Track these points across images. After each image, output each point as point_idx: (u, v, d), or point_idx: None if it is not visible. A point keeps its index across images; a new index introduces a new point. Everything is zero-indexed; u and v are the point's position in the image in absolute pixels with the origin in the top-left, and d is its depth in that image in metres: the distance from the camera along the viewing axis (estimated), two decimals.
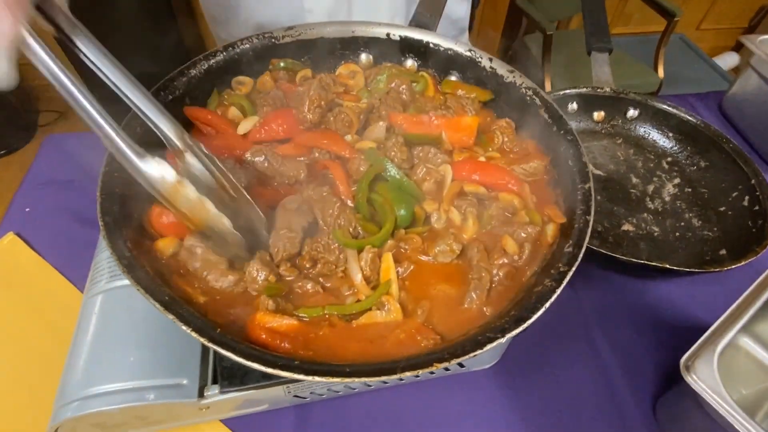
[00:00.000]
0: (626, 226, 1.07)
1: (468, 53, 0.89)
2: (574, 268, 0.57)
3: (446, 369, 0.82)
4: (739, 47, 4.03)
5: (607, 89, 1.23)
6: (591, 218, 0.63)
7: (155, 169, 0.56)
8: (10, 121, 3.34)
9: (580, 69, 2.99)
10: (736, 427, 0.59)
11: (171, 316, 0.52)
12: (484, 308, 0.63)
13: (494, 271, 0.66)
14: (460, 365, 0.82)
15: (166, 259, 0.65)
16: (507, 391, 0.85)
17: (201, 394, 0.68)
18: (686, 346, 0.74)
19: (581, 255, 0.59)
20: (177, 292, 0.60)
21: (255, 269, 0.63)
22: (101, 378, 0.66)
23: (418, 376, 0.82)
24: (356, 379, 0.49)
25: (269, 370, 0.49)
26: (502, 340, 0.52)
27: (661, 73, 3.16)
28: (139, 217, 0.67)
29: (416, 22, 0.96)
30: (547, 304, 0.55)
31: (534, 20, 2.85)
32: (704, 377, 0.63)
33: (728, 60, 3.87)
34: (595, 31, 1.31)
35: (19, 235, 1.02)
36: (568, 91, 1.23)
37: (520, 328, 0.53)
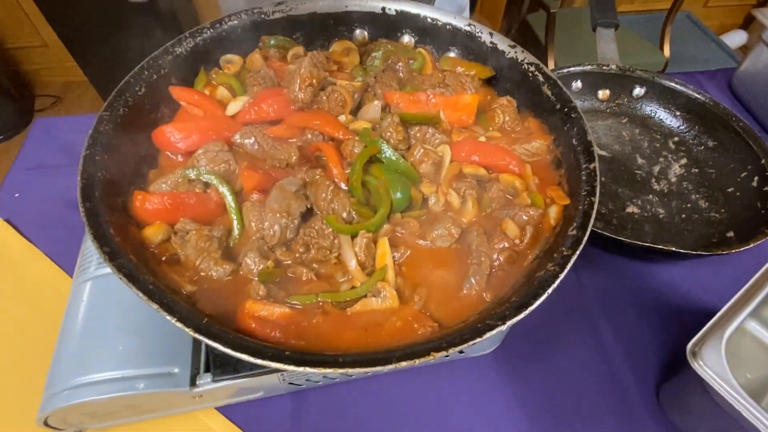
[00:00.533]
0: (631, 208, 1.05)
1: (467, 28, 0.85)
2: (578, 252, 0.55)
3: (445, 355, 0.80)
4: (747, 24, 3.93)
5: (613, 66, 1.19)
6: (596, 200, 0.60)
7: None
8: (6, 107, 3.30)
9: (584, 49, 2.91)
10: (744, 414, 0.58)
11: (155, 306, 0.50)
12: (484, 294, 0.61)
13: (494, 256, 0.64)
14: (460, 351, 0.80)
15: (155, 246, 0.63)
16: (507, 377, 0.84)
17: (193, 383, 0.66)
18: (691, 332, 0.72)
19: (585, 238, 0.56)
20: (164, 281, 0.58)
21: (252, 260, 0.61)
22: (91, 367, 0.64)
23: (415, 363, 0.80)
24: (349, 370, 0.47)
25: (258, 361, 0.47)
26: (503, 328, 0.50)
27: (667, 51, 3.08)
28: (124, 203, 0.65)
29: None
30: (550, 290, 0.52)
31: None
32: (711, 364, 0.61)
33: (736, 38, 3.77)
34: (601, 5, 1.27)
35: (8, 221, 1.00)
36: (572, 68, 1.18)
37: (521, 315, 0.51)
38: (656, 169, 1.12)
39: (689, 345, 0.64)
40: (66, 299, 0.75)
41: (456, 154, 0.74)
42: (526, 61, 0.80)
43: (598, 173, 0.63)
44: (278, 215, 0.64)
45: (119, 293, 0.71)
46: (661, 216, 1.04)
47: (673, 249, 0.85)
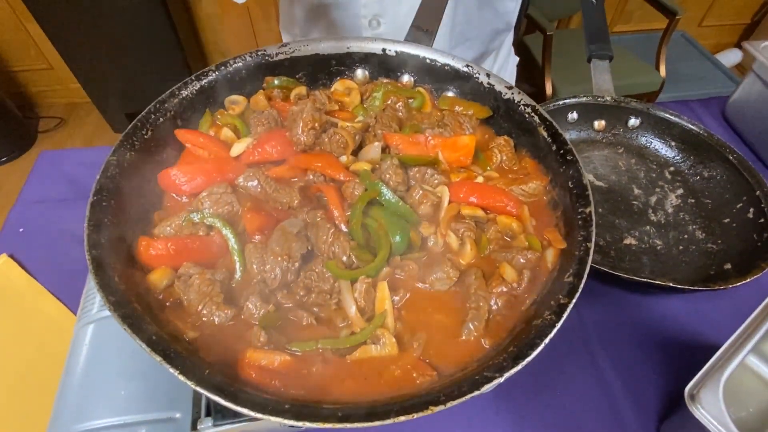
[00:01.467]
0: (628, 240, 1.06)
1: (465, 69, 0.87)
2: (574, 301, 0.55)
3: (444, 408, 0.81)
4: (741, 43, 3.99)
5: (608, 98, 1.21)
6: (592, 245, 0.61)
7: None
8: (10, 128, 3.34)
9: (581, 69, 2.94)
10: None
11: (158, 358, 0.51)
12: (482, 340, 0.61)
13: (492, 300, 0.64)
14: None
15: (159, 291, 0.63)
16: (507, 414, 0.84)
17: (194, 428, 0.66)
18: (691, 366, 0.72)
19: (582, 286, 0.57)
20: (166, 327, 0.58)
21: (254, 304, 0.62)
22: (92, 413, 0.65)
23: (413, 417, 0.80)
24: (347, 425, 0.47)
25: (258, 415, 0.48)
26: (500, 380, 0.50)
27: (663, 71, 3.12)
28: (129, 247, 0.66)
29: (416, 27, 0.94)
30: (547, 340, 0.53)
31: (533, 20, 2.82)
32: (709, 407, 0.62)
33: (731, 57, 3.83)
34: (595, 37, 1.29)
35: (12, 256, 1.01)
36: (568, 100, 1.20)
37: (519, 367, 0.51)
38: (653, 199, 1.14)
39: (687, 388, 0.64)
40: (68, 335, 0.75)
41: (454, 194, 0.75)
42: (522, 102, 0.81)
43: (593, 218, 0.64)
44: (279, 258, 0.64)
45: (122, 337, 0.72)
46: (658, 247, 1.05)
47: (671, 285, 0.86)
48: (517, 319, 0.63)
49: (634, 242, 1.05)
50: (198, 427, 0.67)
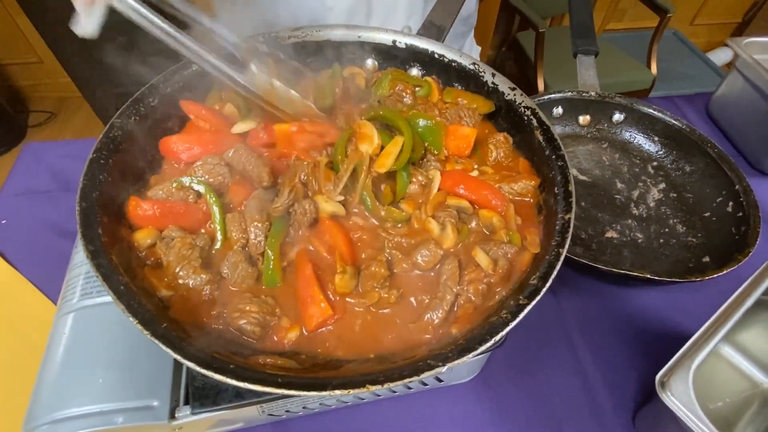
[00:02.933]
0: (610, 233, 1.07)
1: (471, 67, 0.88)
2: (533, 304, 0.55)
3: (423, 383, 0.81)
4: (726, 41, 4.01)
5: (593, 93, 1.22)
6: (564, 251, 0.61)
7: (251, 76, 0.70)
8: (0, 123, 3.31)
9: (573, 66, 2.97)
10: None
11: (121, 306, 0.52)
12: (451, 328, 0.62)
13: (464, 288, 0.65)
14: (438, 379, 0.82)
15: (143, 249, 0.66)
16: (487, 404, 0.85)
17: (172, 416, 0.67)
18: (667, 356, 0.73)
19: (545, 290, 0.57)
20: (142, 283, 0.60)
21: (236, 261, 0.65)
22: (69, 401, 0.65)
23: (395, 391, 0.81)
24: (285, 391, 0.48)
25: (202, 370, 0.48)
26: (442, 369, 0.51)
27: (654, 69, 3.14)
28: (121, 206, 0.68)
29: (429, 23, 0.96)
30: (497, 337, 0.53)
31: (526, 17, 2.83)
32: (679, 394, 0.63)
33: (722, 56, 3.85)
34: (581, 33, 1.30)
35: None
36: (553, 95, 1.21)
37: (464, 359, 0.52)
38: (635, 193, 1.15)
39: (658, 376, 0.66)
40: (49, 328, 0.75)
41: (444, 183, 0.76)
42: (523, 104, 0.82)
43: (571, 225, 0.64)
44: (259, 224, 0.66)
45: (102, 325, 0.73)
46: (639, 241, 1.06)
47: (649, 276, 0.87)
48: (490, 310, 0.64)
49: (615, 235, 1.06)
50: (176, 416, 0.67)
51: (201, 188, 0.71)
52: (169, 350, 0.49)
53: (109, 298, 0.72)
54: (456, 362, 0.51)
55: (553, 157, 0.76)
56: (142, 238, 0.66)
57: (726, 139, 1.33)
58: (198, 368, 0.48)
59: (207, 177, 0.72)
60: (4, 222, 1.06)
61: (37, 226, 1.05)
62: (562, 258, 0.61)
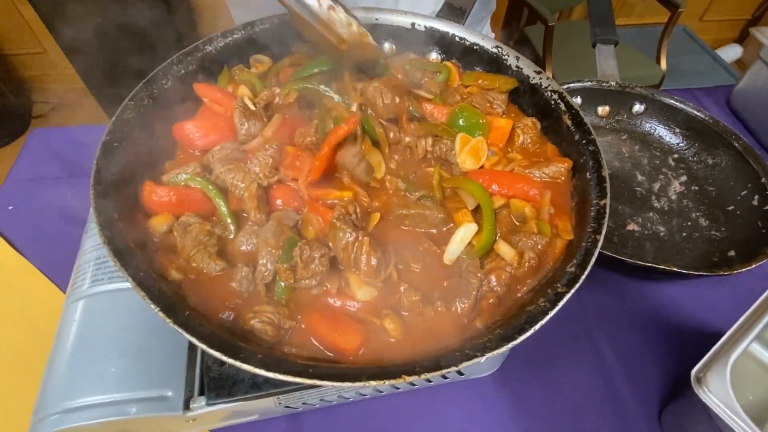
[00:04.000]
0: (631, 226, 1.04)
1: (494, 50, 0.85)
2: (572, 291, 0.53)
3: (444, 377, 0.79)
4: (742, 39, 3.98)
5: (613, 83, 1.19)
6: (601, 238, 0.59)
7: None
8: (4, 113, 3.29)
9: (582, 62, 2.93)
10: None
11: (142, 293, 0.49)
12: (475, 321, 0.59)
13: (489, 279, 0.62)
14: (459, 373, 0.79)
15: (158, 236, 0.63)
16: (508, 399, 0.82)
17: (187, 407, 0.65)
18: (693, 352, 0.71)
19: (584, 277, 0.55)
20: (153, 265, 0.58)
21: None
22: (81, 390, 0.63)
23: (414, 385, 0.79)
24: (317, 381, 0.46)
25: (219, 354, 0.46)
26: (481, 360, 0.48)
27: (663, 65, 3.11)
28: (135, 190, 0.65)
29: (449, 5, 0.94)
30: (537, 327, 0.51)
31: (535, 11, 2.79)
32: (716, 391, 0.60)
33: (731, 52, 3.81)
34: (600, 22, 1.27)
35: (1, 234, 0.98)
36: (572, 84, 1.18)
37: (502, 349, 0.49)
38: (656, 186, 1.12)
39: (694, 371, 0.63)
40: (57, 315, 0.73)
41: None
42: (550, 88, 0.80)
43: (607, 211, 0.62)
44: (272, 250, 0.61)
45: (113, 312, 0.71)
46: (661, 234, 1.03)
47: (675, 269, 0.84)
48: (512, 304, 0.61)
49: (637, 228, 1.04)
50: (191, 407, 0.65)
51: (197, 185, 0.67)
52: (193, 338, 0.46)
53: (121, 284, 0.71)
54: (495, 352, 0.48)
55: (584, 141, 0.73)
56: (158, 224, 0.63)
57: (748, 132, 1.30)
58: (224, 357, 0.46)
59: (223, 163, 0.68)
60: (11, 208, 1.04)
61: (45, 213, 1.03)
62: (599, 245, 0.59)
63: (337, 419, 0.78)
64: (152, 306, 0.49)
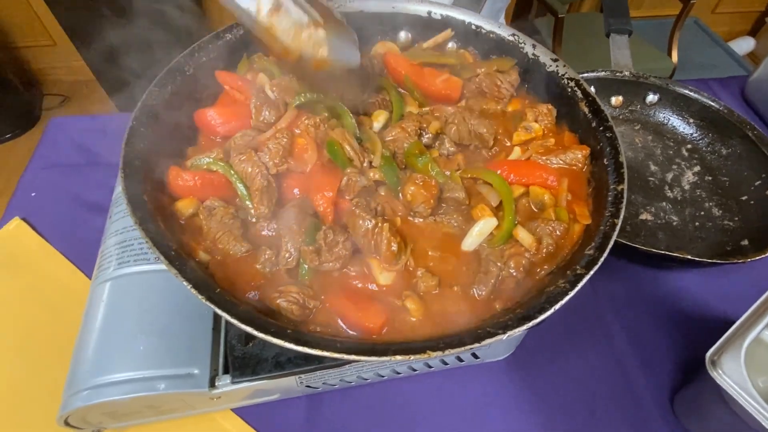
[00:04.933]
0: (644, 215, 1.05)
1: (511, 38, 0.85)
2: (591, 272, 0.54)
3: (459, 360, 0.81)
4: (755, 31, 3.93)
5: (627, 73, 1.19)
6: (619, 221, 0.60)
7: (251, 3, 0.56)
8: (14, 105, 3.32)
9: (592, 54, 2.92)
10: (764, 423, 0.58)
11: (174, 271, 0.51)
12: (495, 303, 0.61)
13: (506, 263, 0.63)
14: (474, 356, 0.81)
15: (184, 219, 0.65)
16: (521, 383, 0.84)
17: (212, 384, 0.67)
18: (705, 339, 0.72)
19: (602, 259, 0.56)
20: (182, 247, 0.60)
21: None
22: (111, 367, 0.65)
23: (431, 367, 0.80)
24: (346, 356, 0.48)
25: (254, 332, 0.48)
26: (503, 337, 0.50)
27: (675, 57, 3.08)
28: (161, 175, 0.67)
29: None
30: (557, 306, 0.52)
31: (545, 2, 2.78)
32: (731, 372, 0.61)
33: (744, 45, 3.78)
34: (615, 12, 1.27)
35: (25, 220, 1.00)
36: (585, 74, 1.18)
37: (523, 327, 0.51)
38: (669, 176, 1.13)
39: (708, 353, 0.64)
40: (83, 300, 0.75)
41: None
42: (566, 75, 0.80)
43: (624, 195, 0.63)
44: (296, 236, 0.62)
45: (139, 293, 0.73)
46: (674, 223, 1.04)
47: (689, 257, 0.85)
48: (531, 287, 0.62)
49: (650, 218, 1.04)
50: (216, 384, 0.67)
51: (219, 169, 0.68)
52: (225, 314, 0.48)
53: (146, 266, 0.73)
54: (516, 330, 0.50)
55: (601, 128, 0.74)
56: (184, 207, 0.65)
57: (762, 123, 1.30)
58: (256, 332, 0.47)
59: (237, 155, 0.68)
60: (33, 195, 1.06)
61: (66, 199, 1.05)
62: (617, 229, 0.60)
63: (354, 400, 0.80)
64: (184, 283, 0.51)
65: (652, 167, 1.14)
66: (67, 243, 0.98)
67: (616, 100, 1.23)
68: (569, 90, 0.80)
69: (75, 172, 1.10)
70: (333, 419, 0.78)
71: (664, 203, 1.07)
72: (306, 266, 0.61)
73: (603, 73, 1.19)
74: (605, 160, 0.71)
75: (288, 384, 0.72)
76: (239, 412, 0.78)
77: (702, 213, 1.06)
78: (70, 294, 0.89)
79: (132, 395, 0.62)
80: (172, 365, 0.66)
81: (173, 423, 0.76)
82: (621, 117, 1.24)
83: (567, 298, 0.54)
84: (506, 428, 0.79)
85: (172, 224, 0.63)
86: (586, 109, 0.77)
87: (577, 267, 0.57)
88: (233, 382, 0.66)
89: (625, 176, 0.67)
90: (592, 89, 1.18)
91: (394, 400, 0.81)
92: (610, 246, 0.59)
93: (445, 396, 0.82)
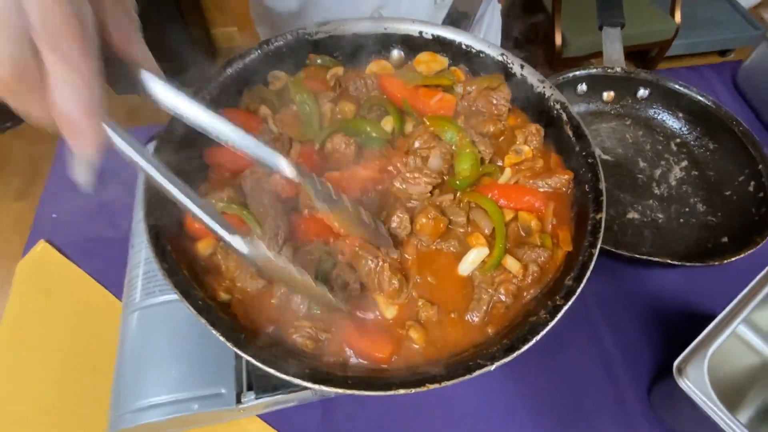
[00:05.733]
0: (631, 214, 1.10)
1: (500, 58, 0.88)
2: (569, 303, 0.61)
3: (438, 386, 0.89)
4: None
5: (618, 69, 1.21)
6: (596, 252, 0.66)
7: (246, 247, 0.55)
8: None
9: (593, 20, 2.86)
10: (723, 427, 0.66)
11: (203, 320, 0.58)
12: (486, 327, 0.68)
13: (496, 289, 0.70)
14: None
15: (204, 259, 0.71)
16: (509, 380, 0.93)
17: (239, 401, 0.76)
18: (681, 336, 0.79)
19: (579, 290, 0.63)
20: (205, 290, 0.66)
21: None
22: (149, 392, 0.74)
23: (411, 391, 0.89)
24: (348, 391, 0.56)
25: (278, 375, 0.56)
26: (491, 368, 0.58)
27: (678, 18, 3.02)
28: (178, 217, 0.72)
29: (455, 9, 0.97)
30: (538, 337, 0.60)
31: None
32: (695, 381, 0.69)
33: None
34: (607, 3, 1.27)
35: (49, 242, 1.07)
36: (578, 72, 1.21)
37: (509, 358, 0.59)
38: (657, 172, 1.17)
39: (676, 362, 0.72)
40: (114, 318, 0.84)
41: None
42: (553, 97, 0.83)
43: (602, 225, 0.68)
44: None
45: (166, 322, 0.80)
46: (660, 221, 1.09)
47: (669, 261, 0.92)
48: (519, 310, 0.70)
49: (636, 216, 1.10)
50: (242, 400, 0.76)
51: (234, 212, 0.72)
52: (256, 362, 0.56)
53: (170, 296, 0.81)
54: (503, 361, 0.58)
55: (583, 154, 0.79)
56: (204, 248, 0.71)
57: (753, 112, 1.32)
58: (283, 376, 0.55)
59: (257, 188, 0.75)
60: (54, 216, 1.12)
61: (87, 219, 1.11)
62: (594, 259, 0.66)
63: (363, 404, 0.89)
64: (214, 332, 0.58)
65: (642, 164, 1.19)
66: (92, 264, 1.05)
67: (607, 95, 1.26)
68: (555, 112, 0.84)
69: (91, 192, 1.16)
70: (345, 418, 0.88)
71: (651, 201, 1.13)
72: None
73: (594, 71, 1.21)
74: (586, 186, 0.76)
75: (304, 395, 0.81)
76: (262, 416, 0.88)
77: (687, 209, 1.11)
78: (103, 316, 0.97)
79: (170, 416, 0.72)
80: (202, 387, 0.75)
81: (205, 429, 0.86)
82: (613, 112, 1.27)
83: (547, 328, 0.61)
84: (502, 421, 0.89)
85: (195, 267, 0.70)
86: (570, 133, 0.81)
87: (557, 298, 0.64)
88: (257, 398, 0.76)
89: (604, 205, 0.72)
90: (584, 87, 1.22)
91: (395, 400, 0.90)
92: (587, 277, 0.65)
93: (441, 395, 0.91)
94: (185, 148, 0.78)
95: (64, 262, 1.05)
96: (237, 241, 0.54)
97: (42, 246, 1.06)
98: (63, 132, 0.39)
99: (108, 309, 0.98)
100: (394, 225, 0.72)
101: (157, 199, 0.70)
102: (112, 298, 1.00)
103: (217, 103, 0.83)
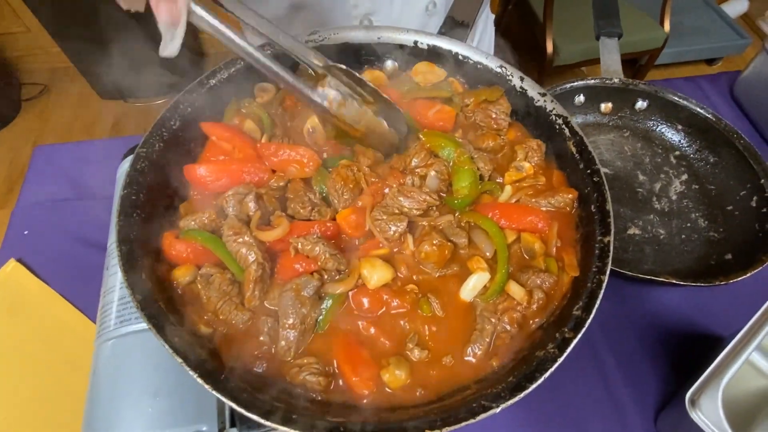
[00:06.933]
0: (632, 230, 1.07)
1: (498, 69, 0.84)
2: (579, 336, 0.57)
3: None
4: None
5: (616, 80, 1.18)
6: (606, 278, 0.62)
7: (324, 95, 0.71)
8: None
9: (585, 27, 2.85)
10: None
11: (179, 359, 0.54)
12: (490, 360, 0.64)
13: (501, 319, 0.66)
14: None
15: (182, 287, 0.66)
16: (512, 407, 0.88)
17: None
18: (688, 357, 0.75)
19: (590, 320, 0.58)
20: (183, 322, 0.61)
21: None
22: (123, 427, 0.68)
23: None
24: None
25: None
26: (497, 411, 0.53)
27: (667, 27, 3.03)
28: (156, 241, 0.67)
29: (451, 19, 0.93)
30: (547, 374, 0.55)
31: None
32: (709, 414, 0.65)
33: (737, 6, 3.69)
34: (604, 14, 1.24)
35: (20, 260, 1.01)
36: (575, 83, 1.17)
37: (516, 399, 0.54)
38: (657, 186, 1.14)
39: (688, 394, 0.68)
40: (86, 340, 0.78)
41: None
42: (554, 111, 0.79)
43: (611, 249, 0.64)
44: (297, 327, 0.62)
45: (142, 352, 0.74)
46: (661, 237, 1.06)
47: (673, 281, 0.88)
48: (524, 340, 0.65)
49: (637, 232, 1.07)
50: None
51: (209, 246, 0.67)
52: (241, 410, 0.52)
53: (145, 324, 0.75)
54: (509, 402, 0.53)
55: (588, 171, 0.75)
56: (182, 275, 0.66)
57: (750, 124, 1.31)
58: (279, 426, 0.50)
59: (238, 207, 0.70)
60: (26, 233, 1.06)
61: (60, 236, 1.05)
62: (604, 286, 0.62)
63: None
64: (191, 372, 0.53)
65: (641, 177, 1.16)
66: (65, 283, 0.99)
67: (605, 106, 1.23)
68: (557, 127, 0.80)
69: (66, 206, 1.10)
70: None
71: (651, 216, 1.09)
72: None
73: (592, 81, 1.18)
74: (592, 206, 0.72)
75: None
76: None
77: (688, 224, 1.08)
78: (77, 340, 0.92)
79: None
80: (181, 423, 0.69)
81: None
82: (611, 124, 1.24)
83: (556, 365, 0.56)
84: None
85: (173, 296, 0.64)
86: (573, 149, 0.77)
87: (566, 330, 0.60)
88: None
89: (611, 226, 0.68)
90: (582, 98, 1.18)
91: None
92: (596, 306, 0.61)
93: None
94: (165, 166, 0.73)
95: (36, 282, 0.98)
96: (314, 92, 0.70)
97: (12, 265, 1.00)
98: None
99: (83, 332, 0.93)
100: None
101: (133, 219, 0.64)
102: (87, 321, 0.94)
103: (199, 115, 0.78)
